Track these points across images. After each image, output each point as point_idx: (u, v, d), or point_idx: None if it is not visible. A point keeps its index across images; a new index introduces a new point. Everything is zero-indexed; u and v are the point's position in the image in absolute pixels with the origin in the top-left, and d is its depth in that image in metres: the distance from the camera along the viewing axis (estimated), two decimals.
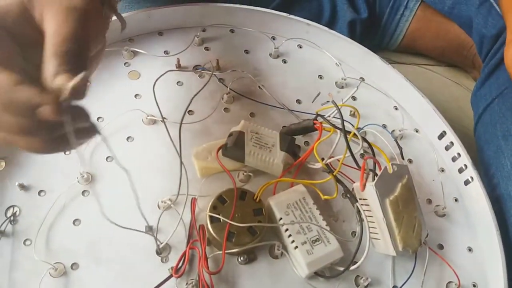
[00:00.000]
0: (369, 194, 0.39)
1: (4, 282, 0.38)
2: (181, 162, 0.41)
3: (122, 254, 0.40)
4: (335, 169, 0.42)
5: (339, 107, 0.40)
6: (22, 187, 0.42)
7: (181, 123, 0.41)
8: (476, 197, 0.47)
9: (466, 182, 0.48)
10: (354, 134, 0.40)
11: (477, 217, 0.47)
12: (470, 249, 0.46)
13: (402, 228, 0.40)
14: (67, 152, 0.44)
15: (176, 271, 0.38)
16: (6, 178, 0.42)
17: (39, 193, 0.42)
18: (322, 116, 0.41)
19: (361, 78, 0.56)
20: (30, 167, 0.43)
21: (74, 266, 0.39)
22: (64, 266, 0.39)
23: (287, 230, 0.40)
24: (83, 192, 0.43)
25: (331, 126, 0.40)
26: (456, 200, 0.49)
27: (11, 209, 0.41)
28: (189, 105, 0.43)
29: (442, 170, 0.50)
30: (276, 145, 0.44)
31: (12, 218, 0.41)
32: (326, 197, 0.43)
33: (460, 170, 0.49)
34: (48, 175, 0.43)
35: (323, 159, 0.42)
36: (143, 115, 0.47)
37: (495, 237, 0.44)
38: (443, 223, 0.47)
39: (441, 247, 0.45)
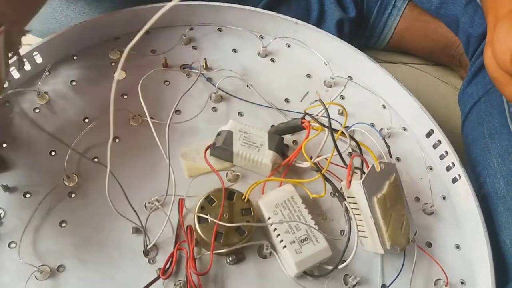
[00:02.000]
0: (357, 192, 0.39)
1: None
2: (169, 162, 0.41)
3: (109, 256, 0.40)
4: (323, 168, 0.42)
5: (327, 105, 0.40)
6: (7, 188, 0.41)
7: (168, 123, 0.41)
8: (464, 195, 0.47)
9: (454, 180, 0.49)
10: (342, 132, 0.40)
11: (465, 215, 0.47)
12: (458, 247, 0.46)
13: (390, 226, 0.40)
14: (53, 153, 0.44)
15: (164, 272, 0.38)
16: None
17: (24, 194, 0.41)
18: (310, 115, 0.41)
19: (349, 77, 0.56)
20: (15, 168, 0.43)
21: (61, 268, 0.39)
22: (50, 269, 0.38)
23: (275, 229, 0.40)
24: (69, 193, 0.42)
25: (319, 125, 0.40)
26: (444, 198, 0.49)
27: None
28: (176, 105, 0.43)
29: (430, 168, 0.51)
30: (265, 144, 0.44)
31: None
32: (314, 195, 0.43)
33: (448, 168, 0.49)
34: (33, 176, 0.42)
35: (311, 158, 0.42)
36: (130, 114, 0.47)
37: (483, 235, 0.44)
38: (431, 221, 0.47)
39: (429, 245, 0.46)
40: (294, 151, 0.43)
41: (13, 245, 0.39)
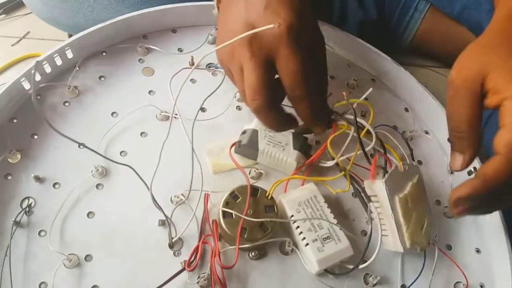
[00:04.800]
0: (379, 190, 0.40)
1: (19, 271, 0.38)
2: (193, 158, 0.42)
3: (135, 247, 0.41)
4: (347, 167, 0.42)
5: (353, 104, 0.40)
6: (37, 179, 0.43)
7: (194, 120, 0.42)
8: None
9: None
10: (368, 131, 0.40)
11: (485, 219, 0.47)
12: (478, 251, 0.46)
13: (411, 225, 0.40)
14: (80, 146, 0.45)
15: (189, 265, 0.39)
16: (21, 170, 0.43)
17: (53, 185, 0.43)
18: (337, 113, 0.42)
19: (372, 79, 0.56)
20: (45, 159, 0.44)
21: (88, 258, 0.40)
22: (78, 258, 0.40)
23: (298, 227, 0.41)
24: (97, 185, 0.43)
25: (345, 123, 0.41)
26: None
27: (27, 200, 0.42)
28: (202, 103, 0.44)
29: (452, 172, 0.51)
30: (289, 144, 0.45)
31: (27, 209, 0.41)
32: (338, 190, 0.44)
33: (470, 173, 0.49)
34: (63, 168, 0.44)
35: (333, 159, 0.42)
36: (157, 111, 0.48)
37: (504, 239, 0.44)
38: (451, 224, 0.47)
39: (449, 247, 0.46)
40: (318, 150, 0.43)
41: (43, 233, 0.40)
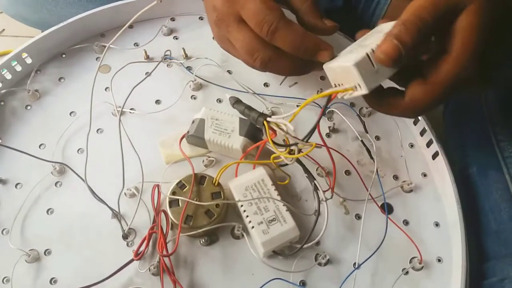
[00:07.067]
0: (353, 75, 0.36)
1: None
2: (136, 153, 0.43)
3: (91, 240, 0.43)
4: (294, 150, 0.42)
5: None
6: (0, 180, 0.45)
7: (119, 115, 0.42)
8: (442, 171, 0.46)
9: (434, 156, 0.48)
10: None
11: (444, 192, 0.46)
12: (437, 224, 0.45)
13: None
14: (42, 147, 0.47)
15: (136, 254, 0.40)
16: None
17: (16, 185, 0.45)
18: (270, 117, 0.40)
19: None
20: (7, 161, 0.46)
21: (47, 252, 0.42)
22: (38, 253, 0.42)
23: (244, 211, 0.42)
24: (56, 183, 0.45)
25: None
26: (424, 175, 0.48)
27: None
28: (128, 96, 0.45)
29: (412, 146, 0.50)
30: (236, 130, 0.45)
31: None
32: (279, 183, 0.44)
33: (428, 144, 0.48)
34: (24, 168, 0.46)
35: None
36: (112, 107, 0.49)
37: (456, 212, 0.43)
38: (410, 199, 0.47)
39: (406, 223, 0.45)
40: (263, 140, 0.43)
41: (5, 232, 0.43)
